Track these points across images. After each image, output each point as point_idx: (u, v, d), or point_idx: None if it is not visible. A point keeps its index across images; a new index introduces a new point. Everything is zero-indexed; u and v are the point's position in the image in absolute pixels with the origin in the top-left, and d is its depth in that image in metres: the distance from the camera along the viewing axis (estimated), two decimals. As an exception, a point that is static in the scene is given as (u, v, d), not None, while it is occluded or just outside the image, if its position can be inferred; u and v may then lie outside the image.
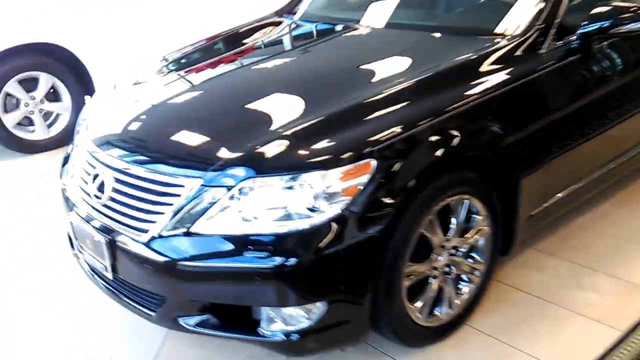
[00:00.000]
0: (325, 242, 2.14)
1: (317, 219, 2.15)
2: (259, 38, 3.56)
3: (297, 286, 2.20)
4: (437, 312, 2.61)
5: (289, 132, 2.30)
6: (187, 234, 2.25)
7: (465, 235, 2.62)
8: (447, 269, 2.60)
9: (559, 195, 3.02)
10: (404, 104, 2.42)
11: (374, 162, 2.20)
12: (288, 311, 2.27)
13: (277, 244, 2.16)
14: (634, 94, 3.24)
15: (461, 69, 2.62)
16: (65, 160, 3.06)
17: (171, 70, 3.23)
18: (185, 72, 3.18)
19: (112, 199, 2.46)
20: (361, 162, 2.19)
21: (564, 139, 2.88)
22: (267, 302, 2.26)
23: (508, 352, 2.61)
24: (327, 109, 2.39)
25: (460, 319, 2.72)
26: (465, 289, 2.71)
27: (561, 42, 2.84)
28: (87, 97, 5.44)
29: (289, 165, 2.20)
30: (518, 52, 2.74)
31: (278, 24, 3.70)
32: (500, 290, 2.95)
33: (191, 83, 3.01)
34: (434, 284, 2.56)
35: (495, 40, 2.77)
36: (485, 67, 2.64)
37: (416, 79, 2.54)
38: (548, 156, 2.80)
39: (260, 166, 2.22)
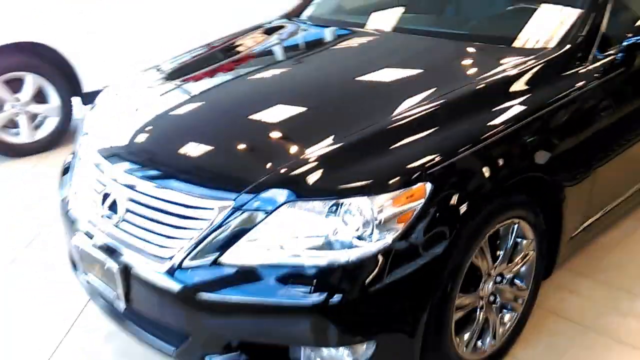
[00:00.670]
0: (375, 275, 1.91)
1: (366, 248, 1.92)
2: (272, 44, 3.31)
3: (343, 324, 1.96)
4: (480, 344, 2.40)
5: (332, 151, 2.07)
6: (216, 263, 2.00)
7: (513, 261, 2.41)
8: (491, 298, 2.39)
9: (598, 214, 2.84)
10: (453, 121, 2.21)
11: (429, 186, 1.98)
12: (331, 352, 2.03)
13: (321, 276, 1.93)
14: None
15: (507, 84, 2.40)
16: (65, 170, 2.79)
17: (183, 77, 2.95)
18: (199, 79, 2.92)
19: (126, 221, 2.21)
20: (415, 186, 1.97)
21: (605, 154, 2.70)
22: (308, 342, 2.01)
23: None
24: (370, 125, 2.17)
25: (503, 351, 2.51)
26: (508, 318, 2.50)
27: (604, 54, 2.65)
28: (75, 99, 5.15)
29: (335, 189, 1.97)
30: (563, 64, 2.54)
31: (289, 28, 3.45)
32: (538, 316, 2.74)
33: (208, 92, 2.74)
34: (481, 315, 2.35)
35: (538, 51, 2.56)
36: (530, 80, 2.44)
37: (459, 95, 2.32)
38: (591, 173, 2.62)
39: (302, 189, 1.98)
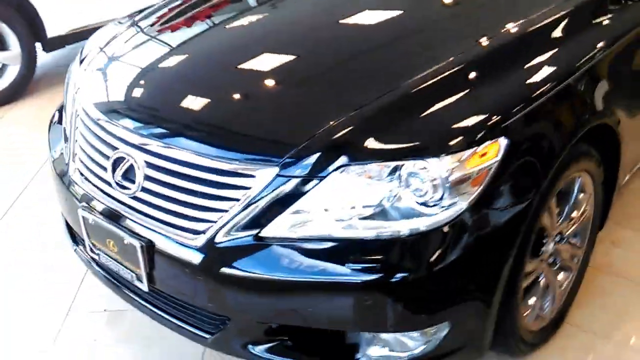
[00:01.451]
0: (448, 246, 1.65)
1: (436, 217, 1.65)
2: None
3: (412, 304, 1.70)
4: (541, 311, 2.17)
5: (386, 107, 1.77)
6: (258, 237, 1.71)
7: (572, 218, 2.17)
8: (551, 260, 2.16)
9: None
10: (516, 67, 1.91)
11: (503, 141, 1.70)
12: (396, 335, 1.77)
13: (383, 250, 1.66)
14: None
15: (562, 22, 2.12)
16: (53, 128, 2.44)
17: (189, 19, 2.57)
18: (208, 21, 2.54)
19: (146, 190, 1.88)
20: (489, 142, 1.69)
21: None
22: (370, 326, 1.75)
23: (619, 353, 2.21)
24: (422, 75, 1.86)
25: (562, 315, 2.29)
26: (565, 279, 2.28)
27: None
28: (38, 45, 4.67)
29: (396, 150, 1.69)
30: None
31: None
32: (587, 273, 2.53)
33: (234, 33, 2.37)
34: (543, 279, 2.12)
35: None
36: (589, 17, 2.17)
37: (516, 35, 2.03)
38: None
39: (357, 151, 1.68)
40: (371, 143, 1.70)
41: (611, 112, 2.12)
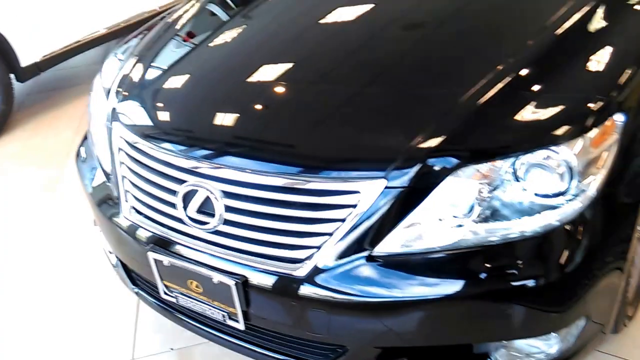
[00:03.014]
0: (584, 237, 1.56)
1: (568, 207, 1.55)
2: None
3: (555, 306, 1.59)
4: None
5: (483, 102, 1.65)
6: (370, 257, 1.58)
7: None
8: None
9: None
10: (615, 33, 1.84)
11: (620, 117, 1.61)
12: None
13: (517, 252, 1.55)
14: None
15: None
16: (80, 165, 2.27)
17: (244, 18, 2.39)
18: (252, 24, 2.37)
19: (229, 222, 1.73)
20: (606, 121, 1.59)
21: None
22: (503, 335, 1.65)
23: None
24: (514, 58, 1.76)
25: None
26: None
27: None
28: (12, 77, 4.41)
29: (512, 143, 1.57)
30: None
31: None
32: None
33: (287, 37, 2.20)
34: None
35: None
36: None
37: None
38: None
39: (467, 151, 1.57)
40: (478, 142, 1.59)
41: None
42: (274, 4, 2.54)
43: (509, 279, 1.54)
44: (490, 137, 1.59)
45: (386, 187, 1.56)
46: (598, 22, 1.88)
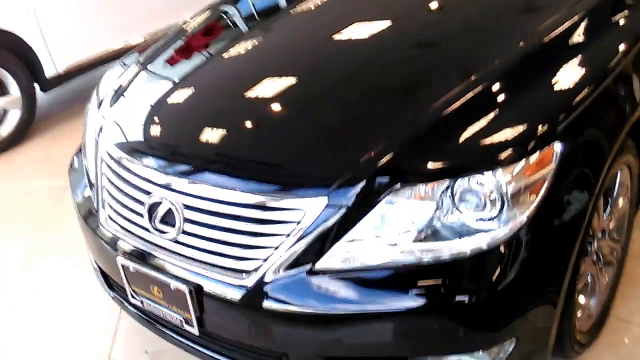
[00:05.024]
0: (510, 261, 1.63)
1: (496, 232, 1.62)
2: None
3: (479, 325, 1.67)
4: (588, 310, 2.16)
5: (433, 124, 1.74)
6: (312, 271, 1.68)
7: (615, 212, 2.16)
8: (594, 257, 2.14)
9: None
10: (564, 64, 1.89)
11: (558, 146, 1.68)
12: (461, 357, 1.75)
13: (445, 272, 1.63)
14: None
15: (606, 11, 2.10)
16: (72, 173, 2.41)
17: (208, 48, 2.53)
18: (229, 48, 2.49)
19: (187, 233, 1.85)
20: (544, 149, 1.67)
21: None
22: (434, 350, 1.72)
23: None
24: (465, 83, 1.84)
25: (607, 311, 2.27)
26: (607, 274, 2.26)
27: None
28: (36, 86, 4.62)
29: (448, 167, 1.66)
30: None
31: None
32: (626, 264, 2.51)
33: (252, 61, 2.33)
34: (590, 277, 2.10)
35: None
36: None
37: (563, 29, 2.01)
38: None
39: (407, 173, 1.66)
40: (419, 164, 1.67)
41: None
42: (261, 30, 2.66)
43: (437, 297, 1.62)
44: (430, 161, 1.66)
45: (328, 205, 1.66)
46: (535, 62, 1.93)
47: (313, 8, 2.60)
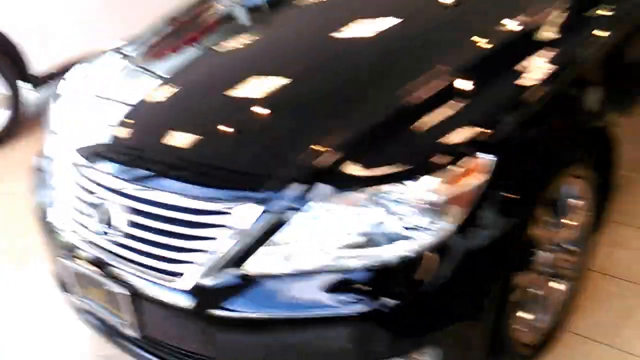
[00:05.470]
0: (435, 269, 1.63)
1: (421, 240, 1.62)
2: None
3: (401, 331, 1.68)
4: (537, 322, 2.13)
5: (363, 132, 1.75)
6: (241, 275, 1.68)
7: (567, 225, 2.13)
8: (546, 270, 2.11)
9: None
10: (496, 78, 1.88)
11: (488, 157, 1.67)
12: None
13: (370, 278, 1.63)
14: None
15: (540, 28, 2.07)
16: (38, 177, 2.40)
17: (163, 56, 2.55)
18: (183, 56, 2.51)
19: (127, 235, 1.85)
20: (473, 161, 1.66)
21: None
22: (360, 357, 1.71)
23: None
24: (399, 95, 1.83)
25: (561, 325, 2.25)
26: (563, 287, 2.23)
27: None
28: (21, 84, 4.62)
29: (375, 175, 1.66)
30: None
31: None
32: (590, 279, 2.48)
33: (198, 71, 2.35)
34: (536, 290, 2.08)
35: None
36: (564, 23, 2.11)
37: (496, 45, 2.00)
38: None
39: (336, 179, 1.66)
40: (349, 171, 1.67)
41: (601, 115, 2.08)
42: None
43: (363, 303, 1.62)
44: (361, 168, 1.67)
45: (259, 210, 1.66)
46: (477, 71, 1.92)
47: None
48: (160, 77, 2.33)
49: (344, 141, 1.72)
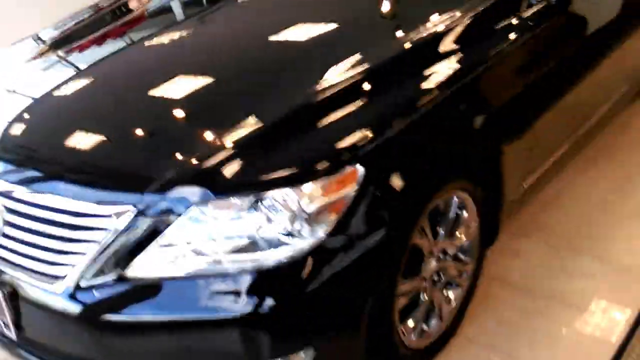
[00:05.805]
0: (309, 274, 1.65)
1: (296, 246, 1.64)
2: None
3: (277, 334, 1.70)
4: (426, 328, 2.18)
5: (249, 137, 1.77)
6: (120, 279, 1.68)
7: (455, 235, 2.19)
8: (435, 278, 2.16)
9: (536, 174, 2.64)
10: (383, 90, 1.92)
11: (360, 169, 1.71)
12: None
13: (247, 282, 1.64)
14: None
15: (436, 42, 2.12)
16: None
17: (64, 49, 2.54)
18: (84, 50, 2.51)
19: (5, 236, 1.84)
20: (346, 171, 1.69)
21: (545, 107, 2.47)
22: (246, 357, 1.74)
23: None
24: (291, 102, 1.87)
25: (452, 331, 2.30)
26: (453, 295, 2.29)
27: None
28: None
29: (255, 181, 1.68)
30: (495, 15, 2.29)
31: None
32: (484, 287, 2.54)
33: (96, 66, 2.34)
34: (425, 297, 2.12)
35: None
36: (461, 37, 2.17)
37: (387, 58, 2.04)
38: (530, 129, 2.39)
39: (217, 184, 1.67)
40: (230, 176, 1.69)
41: (486, 135, 2.13)
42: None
43: (240, 306, 1.64)
44: (240, 174, 1.69)
45: (138, 213, 1.67)
46: (362, 82, 1.94)
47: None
48: (73, 69, 2.35)
49: (234, 144, 1.74)
